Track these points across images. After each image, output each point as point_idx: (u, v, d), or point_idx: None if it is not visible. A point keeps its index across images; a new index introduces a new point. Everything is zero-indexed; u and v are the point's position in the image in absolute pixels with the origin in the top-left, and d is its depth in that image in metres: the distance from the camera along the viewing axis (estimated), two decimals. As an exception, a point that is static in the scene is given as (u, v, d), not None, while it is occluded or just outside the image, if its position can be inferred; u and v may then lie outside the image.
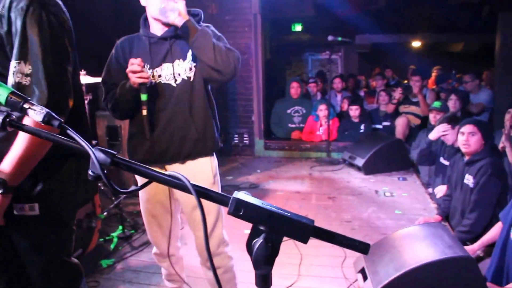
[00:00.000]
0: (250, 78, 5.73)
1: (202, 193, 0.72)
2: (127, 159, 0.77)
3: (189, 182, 0.72)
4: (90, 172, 0.76)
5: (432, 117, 4.45)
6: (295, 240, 0.71)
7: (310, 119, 5.80)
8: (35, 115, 0.88)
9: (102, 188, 3.29)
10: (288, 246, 2.96)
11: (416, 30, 8.81)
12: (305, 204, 3.94)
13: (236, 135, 5.95)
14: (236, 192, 0.71)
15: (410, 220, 3.44)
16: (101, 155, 0.75)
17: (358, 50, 9.74)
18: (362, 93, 7.21)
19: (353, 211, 3.74)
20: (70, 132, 0.80)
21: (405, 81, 7.78)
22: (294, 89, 5.87)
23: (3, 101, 0.91)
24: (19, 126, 0.86)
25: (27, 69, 1.19)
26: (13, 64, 1.20)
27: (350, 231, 3.30)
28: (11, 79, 1.21)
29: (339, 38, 5.18)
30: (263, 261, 0.70)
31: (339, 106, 6.34)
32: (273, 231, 0.70)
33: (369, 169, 4.76)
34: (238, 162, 5.64)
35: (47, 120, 0.87)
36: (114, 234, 3.16)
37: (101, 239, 3.06)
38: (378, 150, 4.78)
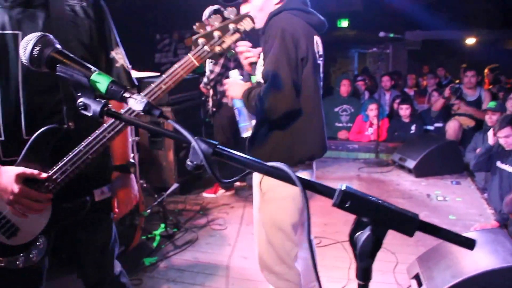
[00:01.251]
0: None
1: (307, 185, 0.72)
2: (228, 149, 0.75)
3: (293, 172, 0.70)
4: (188, 162, 0.74)
5: (488, 118, 4.27)
6: (400, 232, 0.69)
7: (358, 118, 5.69)
8: (135, 104, 0.84)
9: (145, 185, 3.24)
10: (336, 249, 2.94)
11: (471, 26, 8.38)
12: (354, 206, 3.89)
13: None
14: (340, 184, 0.71)
15: (465, 226, 3.31)
16: (203, 145, 0.73)
17: (408, 47, 9.41)
18: (412, 93, 6.98)
19: (404, 214, 3.64)
20: (172, 122, 0.78)
21: (457, 81, 7.45)
22: (345, 87, 5.76)
23: (103, 90, 0.87)
24: (116, 115, 0.85)
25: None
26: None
27: (402, 235, 3.22)
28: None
29: (391, 35, 4.97)
30: (368, 254, 0.70)
31: (387, 105, 6.18)
32: (378, 223, 0.69)
33: (420, 171, 4.61)
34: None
35: (147, 109, 0.83)
36: (157, 232, 3.12)
37: (143, 237, 3.01)
38: (430, 152, 4.61)
